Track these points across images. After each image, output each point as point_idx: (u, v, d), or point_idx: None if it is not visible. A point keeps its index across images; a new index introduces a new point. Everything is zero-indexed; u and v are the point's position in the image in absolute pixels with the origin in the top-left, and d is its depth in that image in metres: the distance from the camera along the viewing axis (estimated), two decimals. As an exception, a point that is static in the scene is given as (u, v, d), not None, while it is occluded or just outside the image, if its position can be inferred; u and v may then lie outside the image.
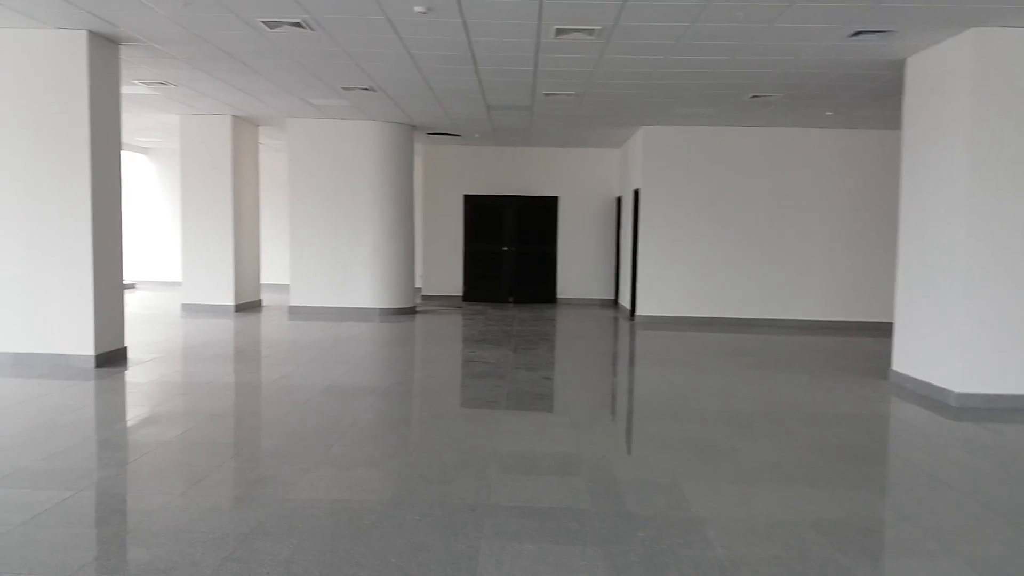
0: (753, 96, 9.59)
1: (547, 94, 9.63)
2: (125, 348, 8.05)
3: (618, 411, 6.55)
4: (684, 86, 9.05)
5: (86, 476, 4.24)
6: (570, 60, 7.91)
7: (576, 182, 15.36)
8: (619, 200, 15.01)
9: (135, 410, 6.12)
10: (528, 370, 8.02)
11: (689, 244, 12.24)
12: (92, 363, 7.39)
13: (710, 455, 4.95)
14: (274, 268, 16.51)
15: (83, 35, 7.17)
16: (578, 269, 15.40)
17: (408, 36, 7.09)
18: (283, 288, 14.99)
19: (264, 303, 13.84)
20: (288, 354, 8.75)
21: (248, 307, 13.04)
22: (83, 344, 7.40)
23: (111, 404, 6.30)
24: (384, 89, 9.66)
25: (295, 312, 12.52)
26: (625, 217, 13.95)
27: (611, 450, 5.19)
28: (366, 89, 9.68)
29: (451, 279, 15.47)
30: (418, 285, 15.66)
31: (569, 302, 15.24)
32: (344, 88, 9.67)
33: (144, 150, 17.43)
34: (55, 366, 7.35)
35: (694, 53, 7.52)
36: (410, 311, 12.99)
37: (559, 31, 6.80)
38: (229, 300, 12.55)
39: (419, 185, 15.23)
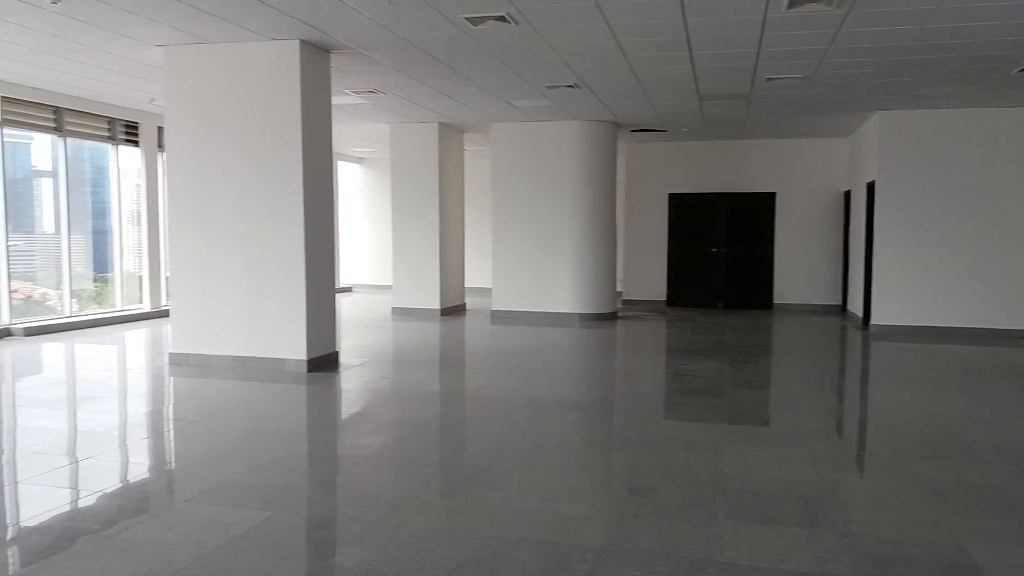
0: (1022, 70, 8.05)
1: (769, 79, 8.67)
2: (336, 352, 8.16)
3: (868, 444, 5.57)
4: (936, 61, 7.74)
5: (285, 494, 4.07)
6: (800, 37, 6.97)
7: (796, 176, 14.01)
8: (847, 195, 13.50)
9: (340, 419, 6.05)
10: (749, 388, 7.18)
11: (935, 243, 10.64)
12: (304, 367, 7.52)
13: (999, 508, 3.94)
14: (477, 272, 16.62)
15: (295, 45, 7.30)
16: (798, 272, 14.04)
17: (618, 23, 6.53)
18: (486, 292, 15.00)
19: (468, 307, 13.88)
20: (490, 361, 8.50)
21: (453, 311, 13.11)
22: (296, 349, 7.55)
23: (318, 412, 6.29)
24: (589, 85, 9.17)
25: (497, 317, 12.39)
26: (856, 213, 12.48)
27: (866, 496, 4.30)
28: (570, 86, 9.24)
29: (654, 283, 14.70)
30: (618, 289, 15.05)
31: (787, 308, 13.93)
32: (548, 87, 9.30)
33: (359, 160, 18.25)
34: (271, 370, 7.55)
35: (956, 19, 6.32)
36: (611, 317, 12.42)
37: (792, 3, 5.92)
38: (435, 304, 12.67)
39: (621, 185, 14.61)
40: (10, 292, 9.97)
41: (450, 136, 12.99)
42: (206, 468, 4.62)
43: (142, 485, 4.28)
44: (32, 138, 10.61)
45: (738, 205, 14.19)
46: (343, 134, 13.87)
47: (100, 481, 4.36)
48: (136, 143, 12.03)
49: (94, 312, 11.52)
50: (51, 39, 7.30)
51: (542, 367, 8.10)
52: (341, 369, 7.82)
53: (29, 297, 10.73)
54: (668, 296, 14.53)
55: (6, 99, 9.73)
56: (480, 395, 6.76)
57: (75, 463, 4.63)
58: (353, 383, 7.30)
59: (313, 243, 7.61)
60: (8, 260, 9.95)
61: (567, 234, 12.14)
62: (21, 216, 10.78)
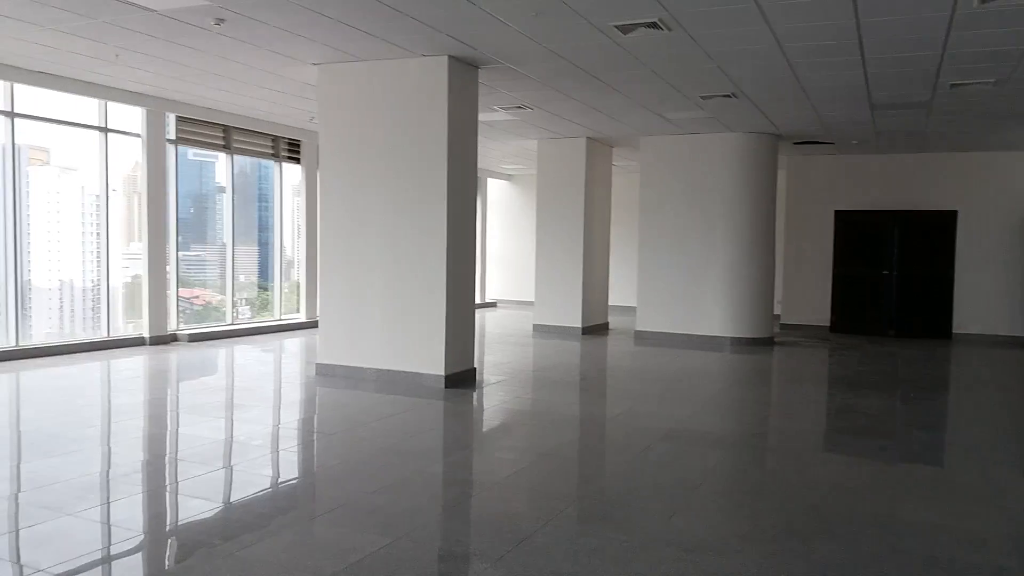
0: None
1: (954, 85, 7.77)
2: (474, 369, 8.05)
3: (1072, 505, 4.73)
4: None
5: (410, 518, 3.90)
6: (994, 36, 6.15)
7: (981, 193, 12.61)
8: (1043, 215, 11.99)
9: (474, 440, 5.88)
10: (924, 429, 6.38)
11: None
12: (442, 383, 7.44)
13: None
14: (622, 290, 16.18)
15: (443, 61, 7.28)
16: (982, 298, 12.61)
17: (781, 25, 6.01)
18: (630, 311, 14.54)
19: (611, 326, 13.49)
20: (631, 385, 8.10)
21: (595, 330, 12.77)
22: (435, 364, 7.49)
23: (452, 431, 6.15)
24: (747, 94, 8.61)
25: (641, 337, 11.92)
26: (1054, 236, 11.04)
27: (1077, 573, 3.58)
28: (727, 96, 8.72)
29: (816, 306, 13.67)
30: (776, 312, 14.13)
31: (968, 338, 12.52)
32: (702, 97, 8.82)
33: (508, 176, 18.33)
34: (410, 384, 7.53)
35: None
36: (766, 342, 11.63)
37: (987, -6, 5.21)
38: (577, 322, 12.39)
39: (781, 201, 13.75)
40: (178, 298, 10.63)
41: (598, 151, 12.71)
42: (335, 485, 4.56)
43: (269, 499, 4.26)
44: (216, 156, 11.38)
45: (914, 224, 12.95)
46: (493, 151, 13.93)
47: (230, 492, 4.38)
48: (298, 160, 12.60)
49: (253, 321, 12.11)
50: (217, 60, 7.68)
51: (688, 394, 7.61)
52: (479, 386, 7.70)
53: (208, 303, 11.49)
54: (832, 321, 13.46)
55: (180, 119, 10.43)
56: (619, 422, 6.39)
57: (210, 472, 4.70)
58: (490, 402, 7.14)
59: (455, 259, 7.54)
60: (178, 270, 10.64)
61: (720, 252, 11.51)
62: (204, 229, 11.54)
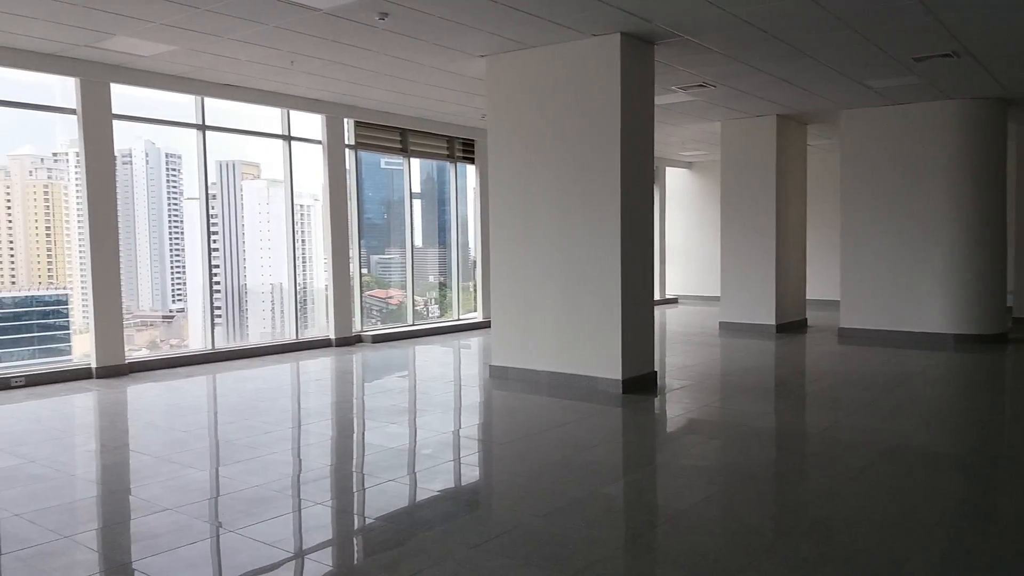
0: None
1: None
2: (654, 373, 7.43)
3: None
4: None
5: (584, 552, 3.41)
6: None
7: None
8: None
9: (655, 455, 5.29)
10: None
11: None
12: (619, 388, 6.90)
13: None
14: (822, 283, 14.78)
15: (615, 39, 6.73)
16: None
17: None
18: (830, 305, 13.21)
19: (809, 323, 12.28)
20: (837, 392, 7.14)
21: (791, 327, 11.65)
22: (611, 368, 6.96)
23: (631, 444, 5.59)
24: (971, 51, 7.33)
25: (845, 336, 10.70)
26: None
27: None
28: (946, 55, 7.49)
29: (1059, 298, 11.71)
30: (1008, 304, 12.25)
31: None
32: (915, 59, 7.64)
33: (688, 164, 17.39)
34: (584, 388, 7.06)
35: None
36: (998, 339, 10.02)
37: None
38: (770, 319, 11.35)
39: (1012, 177, 11.87)
40: (369, 299, 10.84)
41: (790, 129, 11.57)
42: (502, 504, 4.16)
43: (428, 521, 3.92)
44: (401, 162, 11.64)
45: None
46: (671, 136, 13.14)
47: (388, 506, 4.09)
48: (472, 160, 12.52)
49: (432, 321, 12.17)
50: (385, 59, 7.59)
51: (907, 403, 6.55)
52: (659, 392, 7.08)
53: (402, 303, 11.80)
54: (1079, 314, 11.47)
55: (358, 124, 10.59)
56: (826, 437, 5.54)
57: (377, 484, 4.46)
58: (673, 410, 6.50)
59: (631, 255, 6.97)
60: (362, 272, 10.87)
61: (938, 238, 10.06)
62: (396, 232, 11.84)
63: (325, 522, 3.92)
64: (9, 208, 8.32)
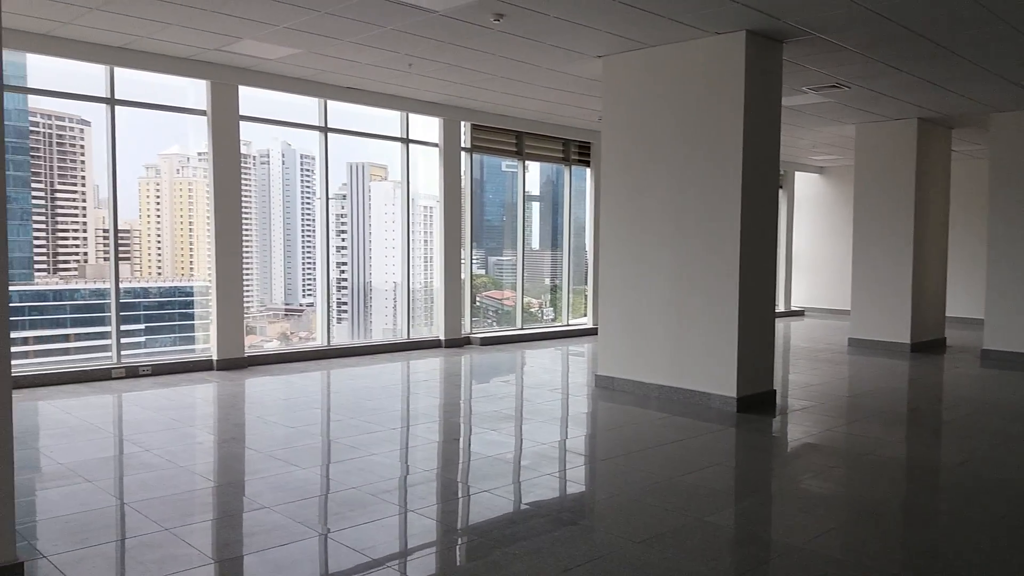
0: None
1: None
2: (773, 391, 6.99)
3: None
4: None
5: (681, 588, 3.16)
6: None
7: None
8: None
9: (769, 483, 4.93)
10: None
11: None
12: (733, 406, 6.53)
13: None
14: (963, 299, 13.66)
15: (740, 37, 6.37)
16: None
17: None
18: (973, 324, 12.17)
19: (948, 343, 11.33)
20: (978, 422, 6.47)
21: (927, 347, 10.78)
22: (725, 384, 6.59)
23: (743, 468, 5.24)
24: None
25: (989, 359, 9.78)
26: None
27: None
28: (1123, 51, 6.68)
29: None
30: None
31: None
32: (1084, 55, 6.86)
33: (819, 169, 16.50)
34: (696, 405, 6.72)
35: None
36: None
37: None
38: (904, 337, 10.53)
39: None
40: (480, 300, 10.85)
41: (932, 133, 10.71)
42: (600, 526, 3.95)
43: (519, 537, 3.75)
44: (527, 166, 11.67)
45: None
46: (801, 140, 12.47)
47: (479, 518, 3.96)
48: (588, 163, 12.31)
49: (540, 326, 12.06)
50: (501, 60, 7.51)
51: (1064, 440, 5.86)
52: (778, 412, 6.64)
53: (528, 306, 11.87)
54: None
55: (475, 127, 10.60)
56: (963, 473, 5.00)
57: (473, 494, 4.35)
58: (792, 433, 6.08)
59: (750, 263, 6.59)
60: (472, 275, 10.89)
61: (1105, 255, 9.03)
62: (513, 235, 11.82)
63: (413, 531, 3.84)
64: (158, 204, 8.88)
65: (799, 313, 16.22)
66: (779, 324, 13.66)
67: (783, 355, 10.21)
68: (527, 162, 11.64)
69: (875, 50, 6.85)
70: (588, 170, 12.38)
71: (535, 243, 12.37)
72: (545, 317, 12.38)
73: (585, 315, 12.56)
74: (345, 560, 3.44)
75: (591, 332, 11.87)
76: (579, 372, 9.05)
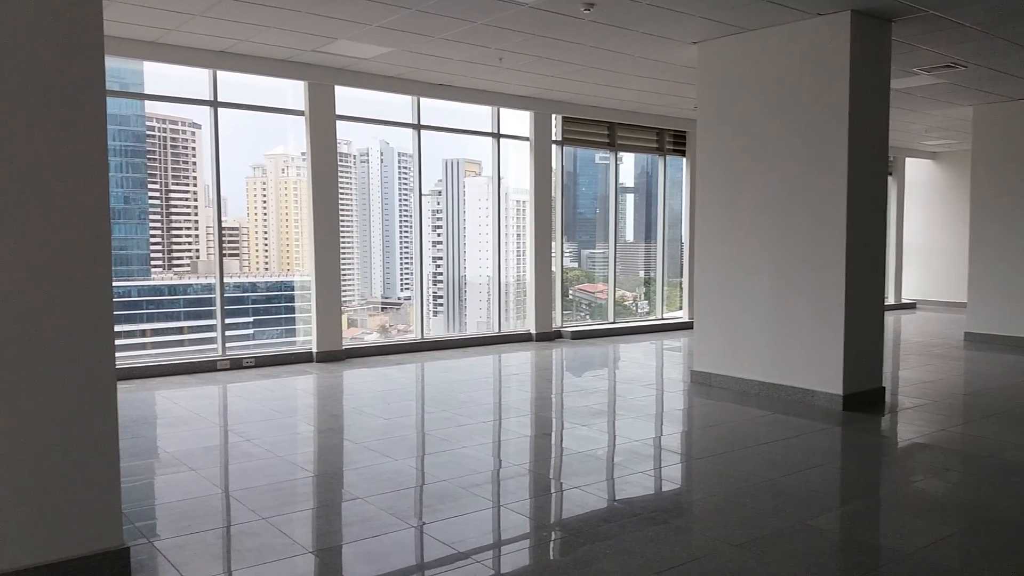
0: None
1: None
2: (882, 388, 6.64)
3: None
4: None
5: (781, 595, 3.02)
6: None
7: None
8: None
9: (877, 486, 4.66)
10: None
11: None
12: (839, 404, 6.23)
13: None
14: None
15: (845, 17, 6.05)
16: None
17: None
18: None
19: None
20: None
21: (1055, 343, 10.03)
22: (830, 381, 6.30)
23: (848, 470, 4.99)
24: None
25: None
26: None
27: None
28: None
29: None
30: None
31: None
32: None
33: (932, 155, 15.59)
34: (799, 403, 6.45)
35: None
36: None
37: None
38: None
39: None
40: (575, 294, 10.79)
41: (1062, 114, 9.93)
42: (694, 527, 3.83)
43: (610, 536, 3.68)
44: (622, 158, 11.57)
45: None
46: (912, 124, 11.81)
47: (570, 515, 3.90)
48: (683, 152, 12.03)
49: (632, 320, 11.88)
50: (592, 51, 7.41)
51: None
52: (887, 411, 6.30)
53: (622, 299, 11.79)
54: None
55: (566, 119, 10.52)
56: (1101, 480, 4.60)
57: (560, 492, 4.30)
58: (903, 433, 5.75)
59: (857, 254, 6.26)
60: (563, 268, 10.82)
61: None
62: (606, 227, 11.72)
63: (502, 526, 3.82)
64: (265, 202, 9.26)
65: (910, 306, 15.40)
66: (889, 317, 12.99)
67: (893, 350, 9.70)
68: (620, 153, 11.47)
69: (994, 26, 6.38)
70: (684, 160, 12.09)
71: (629, 235, 12.21)
72: (639, 310, 12.20)
73: (680, 308, 12.30)
74: (435, 552, 3.46)
75: (687, 326, 11.59)
76: (674, 367, 8.85)
